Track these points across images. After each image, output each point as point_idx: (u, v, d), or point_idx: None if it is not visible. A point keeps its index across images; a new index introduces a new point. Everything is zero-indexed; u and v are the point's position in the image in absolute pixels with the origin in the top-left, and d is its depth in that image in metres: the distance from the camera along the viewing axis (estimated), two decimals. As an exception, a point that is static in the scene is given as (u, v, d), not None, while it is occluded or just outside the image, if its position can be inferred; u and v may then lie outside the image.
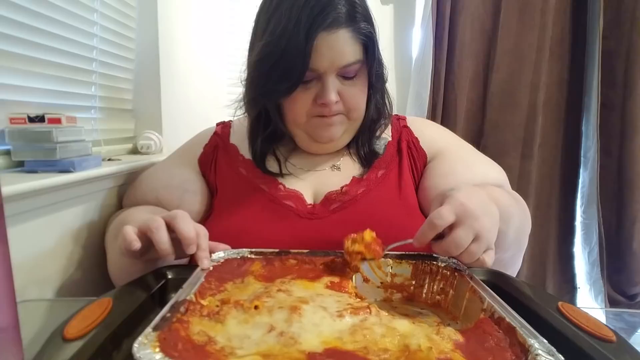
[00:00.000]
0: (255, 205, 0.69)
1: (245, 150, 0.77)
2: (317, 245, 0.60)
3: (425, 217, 0.68)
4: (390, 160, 0.75)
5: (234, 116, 0.78)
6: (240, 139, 0.79)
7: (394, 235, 0.55)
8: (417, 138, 0.78)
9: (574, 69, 1.46)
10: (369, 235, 0.53)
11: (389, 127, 0.81)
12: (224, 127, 0.83)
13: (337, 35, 0.62)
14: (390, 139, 0.78)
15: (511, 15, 1.41)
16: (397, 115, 0.84)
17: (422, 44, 1.43)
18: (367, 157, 0.75)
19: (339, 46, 0.63)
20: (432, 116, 1.43)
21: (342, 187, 0.70)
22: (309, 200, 0.71)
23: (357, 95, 0.68)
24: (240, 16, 1.46)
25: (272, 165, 0.74)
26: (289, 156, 0.76)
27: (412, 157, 0.76)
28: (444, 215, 0.48)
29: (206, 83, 1.35)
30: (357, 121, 0.72)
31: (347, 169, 0.74)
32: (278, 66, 0.63)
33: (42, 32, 0.76)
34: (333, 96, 0.65)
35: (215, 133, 0.81)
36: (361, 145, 0.75)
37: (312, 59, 0.62)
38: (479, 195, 0.53)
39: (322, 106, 0.66)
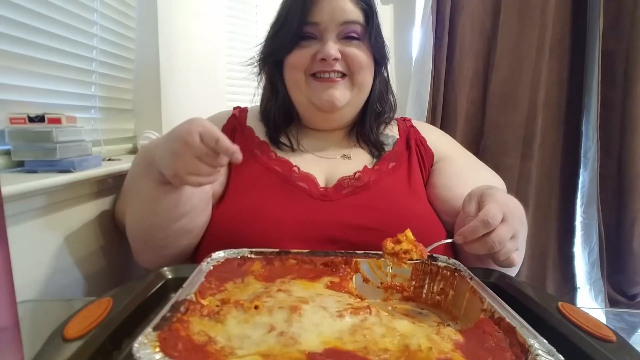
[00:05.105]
0: (269, 186, 0.70)
1: (260, 133, 0.78)
2: (329, 227, 0.63)
3: (434, 210, 0.72)
4: (400, 155, 0.77)
5: (251, 102, 0.83)
6: (255, 122, 0.80)
7: (405, 223, 0.56)
8: (423, 137, 0.81)
9: (574, 68, 1.45)
10: (411, 233, 0.51)
11: (396, 126, 0.84)
12: (241, 111, 0.84)
13: None
14: (398, 136, 0.81)
15: (511, 15, 1.41)
16: (402, 117, 0.87)
17: (422, 44, 1.43)
18: (375, 145, 0.76)
19: (340, 3, 0.68)
20: (432, 116, 1.43)
21: (355, 173, 0.72)
22: (321, 184, 0.72)
23: (361, 56, 0.71)
24: (240, 16, 1.46)
25: (285, 146, 0.76)
26: (300, 138, 0.78)
27: (420, 154, 0.79)
28: (496, 214, 0.51)
29: (206, 83, 1.35)
30: (361, 91, 0.73)
31: (358, 159, 0.76)
32: (283, 25, 0.71)
33: (42, 32, 0.76)
34: (332, 50, 0.67)
35: (232, 115, 0.82)
36: (368, 132, 0.77)
37: (312, 12, 0.67)
38: (513, 199, 0.58)
39: (321, 62, 0.68)
